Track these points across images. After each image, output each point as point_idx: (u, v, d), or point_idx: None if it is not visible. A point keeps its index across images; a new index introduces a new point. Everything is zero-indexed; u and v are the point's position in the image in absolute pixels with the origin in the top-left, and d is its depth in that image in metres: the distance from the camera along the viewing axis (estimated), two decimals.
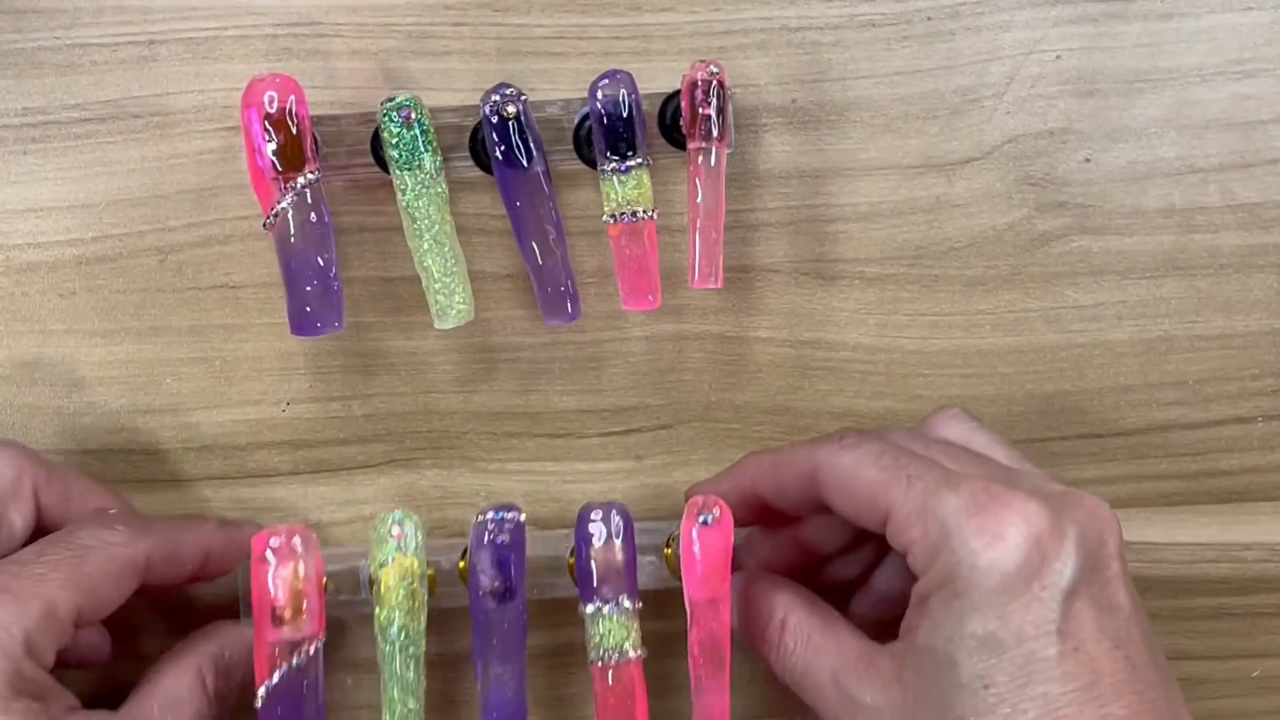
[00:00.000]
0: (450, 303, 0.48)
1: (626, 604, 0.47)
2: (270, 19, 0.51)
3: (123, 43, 0.51)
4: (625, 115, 0.48)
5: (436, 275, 0.48)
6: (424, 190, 0.48)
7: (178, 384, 0.53)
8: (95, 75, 0.51)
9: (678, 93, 0.50)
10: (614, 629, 0.48)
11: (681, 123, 0.49)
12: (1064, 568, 0.41)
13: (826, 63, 0.53)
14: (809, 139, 0.53)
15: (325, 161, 0.49)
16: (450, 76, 0.52)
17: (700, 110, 0.48)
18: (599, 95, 0.48)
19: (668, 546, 0.51)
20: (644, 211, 0.48)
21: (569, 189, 0.52)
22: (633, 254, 0.49)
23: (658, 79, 0.52)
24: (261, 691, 0.45)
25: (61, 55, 0.51)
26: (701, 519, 0.46)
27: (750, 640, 0.49)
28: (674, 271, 0.52)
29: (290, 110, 0.46)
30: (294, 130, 0.46)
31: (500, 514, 0.47)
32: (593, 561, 0.47)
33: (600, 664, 0.48)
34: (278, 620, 0.44)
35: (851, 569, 0.51)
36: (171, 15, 0.51)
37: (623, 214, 0.48)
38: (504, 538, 0.47)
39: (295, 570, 0.45)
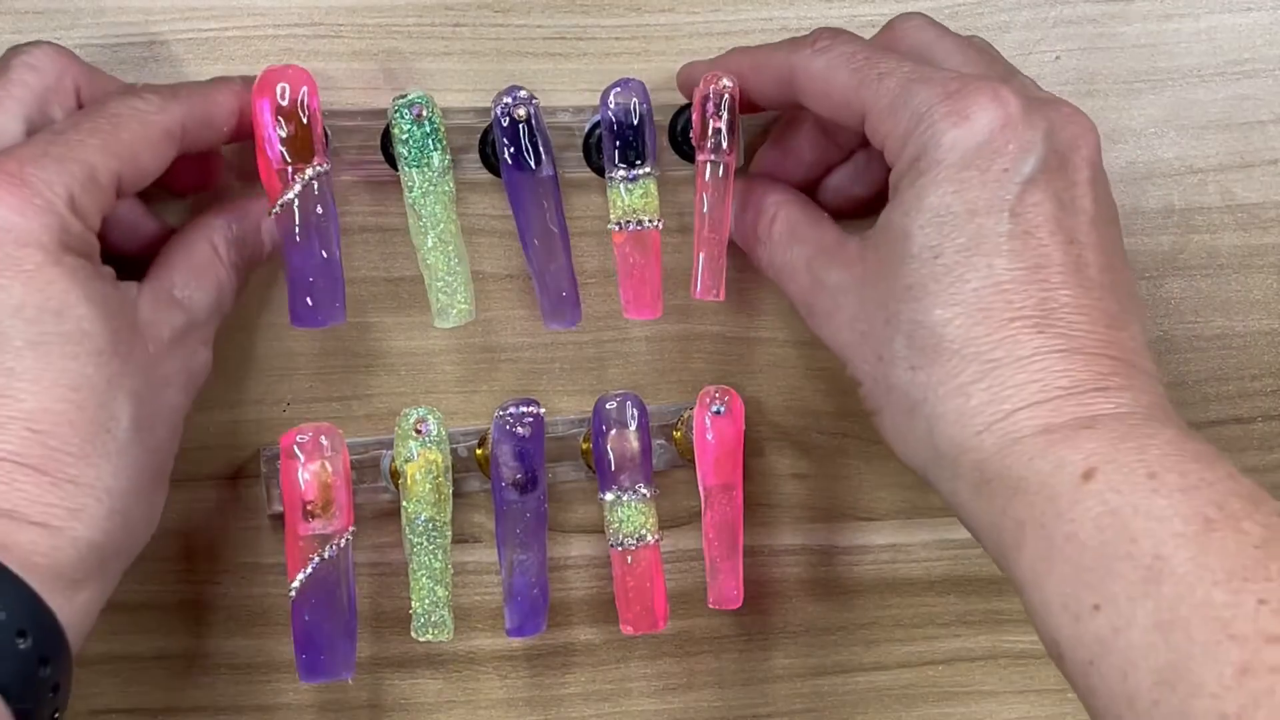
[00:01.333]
0: (452, 302, 0.48)
1: (644, 491, 0.50)
2: (271, 19, 0.51)
3: (123, 43, 0.50)
4: (635, 124, 0.48)
5: (439, 274, 0.48)
6: (431, 188, 0.48)
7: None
8: None
9: (690, 105, 0.50)
10: (632, 515, 0.50)
11: (691, 135, 0.49)
12: (1028, 155, 0.42)
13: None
14: None
15: (335, 156, 0.49)
16: (450, 77, 0.52)
17: (711, 123, 0.48)
18: (610, 103, 0.48)
19: (677, 430, 0.53)
20: (650, 220, 0.49)
21: (576, 192, 0.52)
22: (636, 262, 0.49)
23: (658, 79, 0.52)
24: (295, 584, 0.47)
25: None
26: (714, 409, 0.50)
27: (744, 239, 0.50)
28: (675, 273, 0.52)
29: (302, 101, 0.46)
30: (304, 121, 0.46)
31: (520, 408, 0.50)
32: (610, 451, 0.50)
33: (620, 549, 0.50)
34: (308, 516, 0.47)
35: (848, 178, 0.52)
36: (172, 16, 0.51)
37: (628, 222, 0.48)
38: (524, 430, 0.49)
39: (324, 466, 0.47)
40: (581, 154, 0.51)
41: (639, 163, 0.48)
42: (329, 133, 0.48)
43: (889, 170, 0.45)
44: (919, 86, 0.43)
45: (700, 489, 0.51)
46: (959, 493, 0.42)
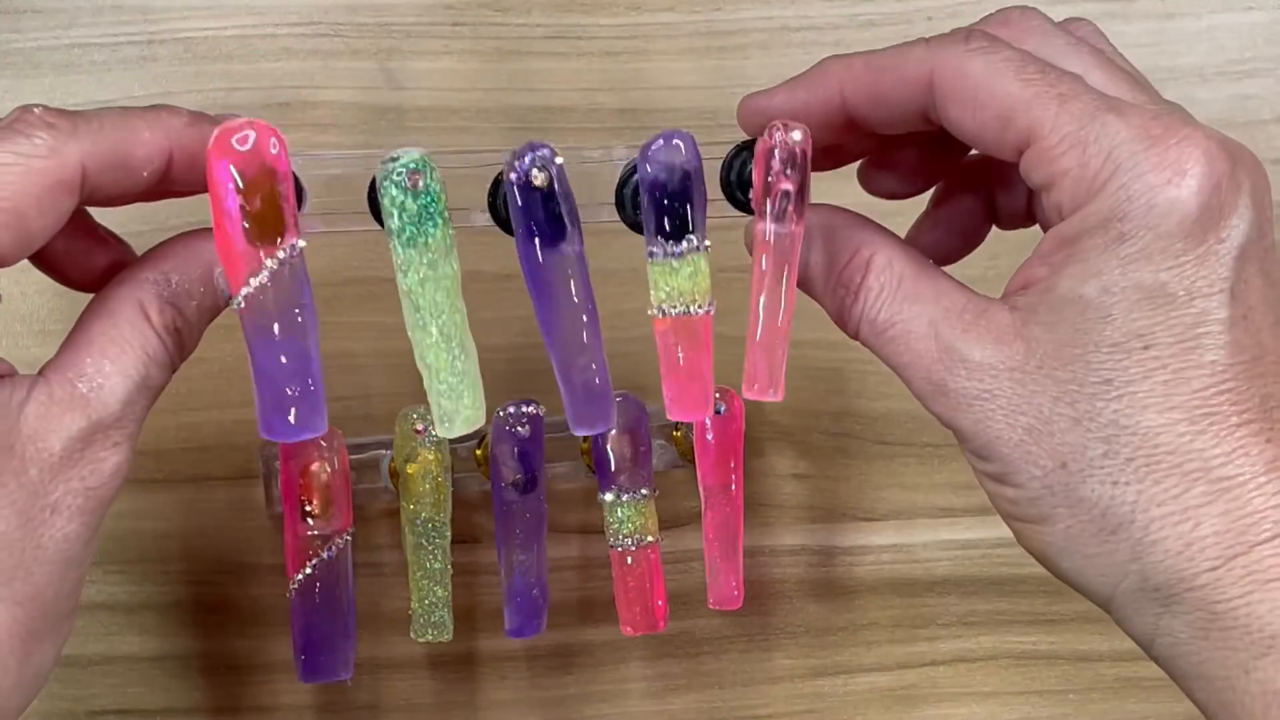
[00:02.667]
0: (457, 407, 0.39)
1: (644, 491, 0.50)
2: (270, 19, 0.51)
3: (122, 42, 0.50)
4: (682, 188, 0.39)
5: (441, 374, 0.39)
6: (430, 272, 0.38)
7: (178, 384, 0.52)
8: (94, 75, 0.51)
9: (747, 145, 0.41)
10: (632, 515, 0.50)
11: (751, 195, 0.40)
12: (1240, 222, 0.35)
13: None
14: None
15: (310, 214, 0.41)
16: (450, 76, 0.52)
17: (775, 184, 0.38)
18: (650, 160, 0.39)
19: (676, 429, 0.53)
20: (699, 306, 0.40)
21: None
22: (683, 356, 0.40)
23: (658, 79, 0.52)
24: (295, 584, 0.47)
25: (60, 55, 0.51)
26: (715, 408, 0.50)
27: (819, 286, 0.41)
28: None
29: (269, 162, 0.36)
30: (275, 190, 0.36)
31: (520, 408, 0.50)
32: (610, 451, 0.50)
33: (619, 549, 0.50)
34: (308, 516, 0.47)
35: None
36: (171, 15, 0.51)
37: (673, 308, 0.40)
38: (524, 430, 0.49)
39: (323, 466, 0.47)
40: (614, 205, 0.42)
41: (687, 236, 0.39)
42: (303, 189, 0.40)
43: (1013, 209, 0.39)
44: (1112, 118, 0.35)
45: (700, 489, 0.51)
46: (1172, 631, 0.35)
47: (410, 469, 0.49)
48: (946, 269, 0.39)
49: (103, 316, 0.37)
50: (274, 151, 0.36)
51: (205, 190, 0.37)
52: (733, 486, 0.51)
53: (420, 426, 0.49)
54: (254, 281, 0.36)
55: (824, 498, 0.56)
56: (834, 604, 0.56)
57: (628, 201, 0.41)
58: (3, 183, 0.34)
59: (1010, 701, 0.57)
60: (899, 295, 0.38)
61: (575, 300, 0.40)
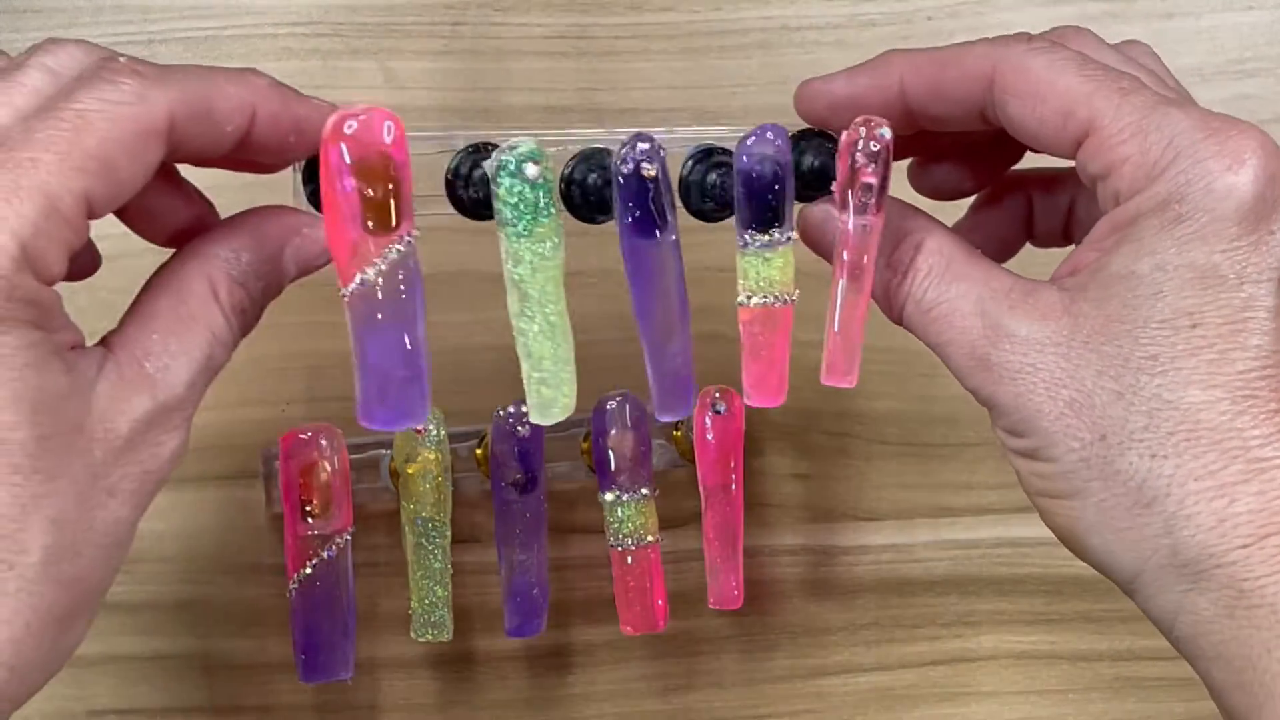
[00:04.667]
0: (556, 396, 0.40)
1: (644, 491, 0.50)
2: (270, 18, 0.51)
3: (121, 42, 0.50)
4: (776, 181, 0.40)
5: (544, 364, 0.40)
6: (543, 262, 0.38)
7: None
8: None
9: (811, 135, 0.42)
10: (632, 515, 0.50)
11: (834, 186, 0.40)
12: None
13: (827, 63, 0.52)
14: None
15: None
16: (450, 76, 0.52)
17: (860, 176, 0.39)
18: (747, 153, 0.40)
19: (676, 429, 0.53)
20: (783, 296, 0.42)
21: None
22: (765, 343, 0.42)
23: (658, 79, 0.52)
24: (294, 584, 0.47)
25: None
26: (714, 409, 0.50)
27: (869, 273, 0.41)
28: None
29: (385, 153, 0.35)
30: (392, 177, 0.35)
31: (520, 408, 0.50)
32: (610, 451, 0.50)
33: (619, 549, 0.50)
34: (308, 516, 0.47)
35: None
36: (171, 15, 0.51)
37: (765, 297, 0.42)
38: (524, 430, 0.49)
39: (323, 466, 0.47)
40: (678, 195, 0.42)
41: (778, 227, 0.40)
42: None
43: (1068, 204, 0.40)
44: (1174, 111, 0.37)
45: (700, 489, 0.51)
46: (1194, 608, 0.36)
47: (410, 469, 0.49)
48: None
49: (171, 292, 0.37)
50: (390, 138, 0.35)
51: (285, 163, 0.38)
52: (733, 486, 0.51)
53: (420, 427, 0.49)
54: (367, 272, 0.36)
55: (824, 498, 0.56)
56: (834, 604, 0.56)
57: (692, 189, 0.42)
58: (92, 130, 0.33)
59: (1010, 701, 0.57)
60: (947, 276, 0.39)
61: (670, 288, 0.41)
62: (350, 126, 0.35)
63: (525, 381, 0.40)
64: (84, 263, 0.39)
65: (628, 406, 0.50)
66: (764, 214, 0.40)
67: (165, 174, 0.38)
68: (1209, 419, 0.35)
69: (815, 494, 0.56)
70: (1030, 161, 0.43)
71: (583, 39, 0.52)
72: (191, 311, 0.36)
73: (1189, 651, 0.37)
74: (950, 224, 0.44)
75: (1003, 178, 0.44)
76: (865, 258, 0.40)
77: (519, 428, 0.50)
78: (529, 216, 0.38)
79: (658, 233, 0.40)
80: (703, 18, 0.52)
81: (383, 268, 0.36)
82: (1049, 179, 0.41)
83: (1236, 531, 0.35)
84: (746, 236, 0.41)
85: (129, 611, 0.53)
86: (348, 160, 0.35)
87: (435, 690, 0.55)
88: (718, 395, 0.51)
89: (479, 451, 0.52)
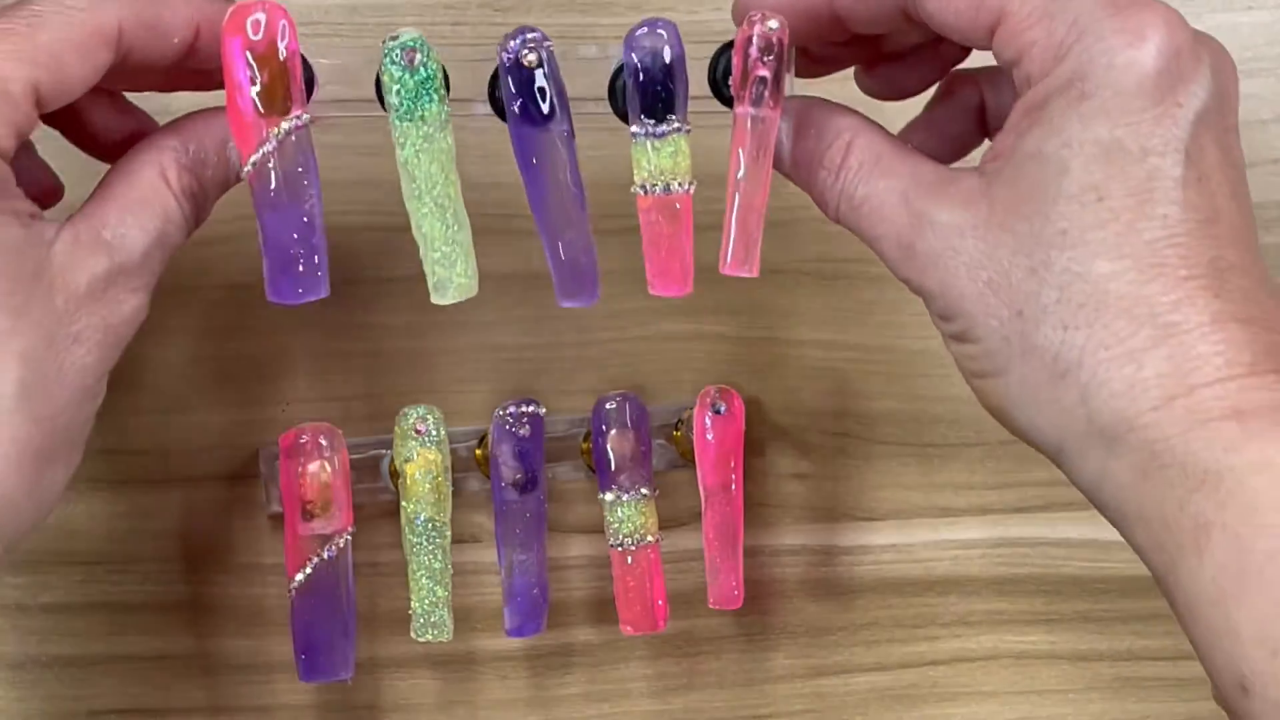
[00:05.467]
0: (450, 275, 0.43)
1: (644, 491, 0.50)
2: None
3: None
4: (665, 71, 0.42)
5: (435, 243, 0.42)
6: (426, 144, 0.42)
7: (177, 384, 0.53)
8: None
9: (731, 44, 0.43)
10: (632, 515, 0.50)
11: (730, 81, 0.42)
12: (1199, 90, 0.37)
13: None
14: None
15: (320, 101, 0.44)
16: (450, 76, 0.52)
17: (753, 70, 0.41)
18: (636, 47, 0.42)
19: (676, 429, 0.53)
20: (679, 184, 0.43)
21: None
22: (665, 232, 0.43)
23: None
24: (295, 584, 0.47)
25: None
26: (714, 409, 0.50)
27: (805, 169, 0.43)
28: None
29: (279, 41, 0.40)
30: (282, 64, 0.40)
31: (520, 408, 0.49)
32: (610, 451, 0.50)
33: (619, 549, 0.50)
34: (308, 515, 0.47)
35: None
36: None
37: (655, 185, 0.43)
38: (524, 430, 0.49)
39: (323, 466, 0.47)
40: (606, 98, 0.44)
41: (668, 117, 0.42)
42: (314, 74, 0.43)
43: (997, 93, 0.41)
44: None
45: (700, 489, 0.51)
46: (1115, 474, 0.37)
47: (410, 469, 0.49)
48: None
49: (126, 175, 0.40)
50: (282, 31, 0.40)
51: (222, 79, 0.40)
52: (733, 486, 0.51)
53: (420, 427, 0.49)
54: (261, 150, 0.40)
55: (824, 498, 0.56)
56: (834, 604, 0.56)
57: (619, 93, 0.43)
58: (46, 27, 0.37)
59: (1010, 701, 0.57)
60: (876, 171, 0.41)
61: (562, 178, 0.43)
62: (247, 20, 0.39)
63: (424, 264, 0.42)
64: (46, 186, 0.43)
65: (628, 406, 0.50)
66: (653, 103, 0.42)
67: (109, 92, 0.42)
68: (1117, 289, 0.36)
69: (815, 494, 0.56)
70: (980, 60, 0.42)
71: (583, 39, 0.52)
72: (144, 194, 0.40)
73: (1114, 517, 0.37)
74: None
75: (954, 75, 0.45)
76: (762, 150, 0.42)
77: (519, 428, 0.50)
78: (410, 101, 0.41)
79: (545, 121, 0.42)
80: (702, 18, 0.52)
81: (274, 145, 0.40)
82: (996, 73, 0.42)
83: (1146, 395, 0.36)
84: (636, 127, 0.42)
85: (129, 611, 0.53)
86: (244, 50, 0.39)
87: (435, 690, 0.55)
88: (718, 395, 0.51)
89: (479, 451, 0.52)
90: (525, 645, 0.55)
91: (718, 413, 0.50)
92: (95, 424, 0.52)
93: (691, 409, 0.51)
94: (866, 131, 0.42)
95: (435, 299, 0.43)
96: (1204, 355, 0.35)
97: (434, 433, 0.49)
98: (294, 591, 0.47)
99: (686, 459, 0.52)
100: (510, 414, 0.50)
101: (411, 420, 0.49)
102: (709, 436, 0.51)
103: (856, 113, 0.43)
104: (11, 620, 0.53)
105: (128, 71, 0.40)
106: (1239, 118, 0.39)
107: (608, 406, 0.50)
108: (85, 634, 0.53)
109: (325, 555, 0.47)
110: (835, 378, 0.54)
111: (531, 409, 0.50)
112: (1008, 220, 0.38)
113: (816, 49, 0.44)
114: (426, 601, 0.49)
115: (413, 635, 0.49)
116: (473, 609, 0.54)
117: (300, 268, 0.41)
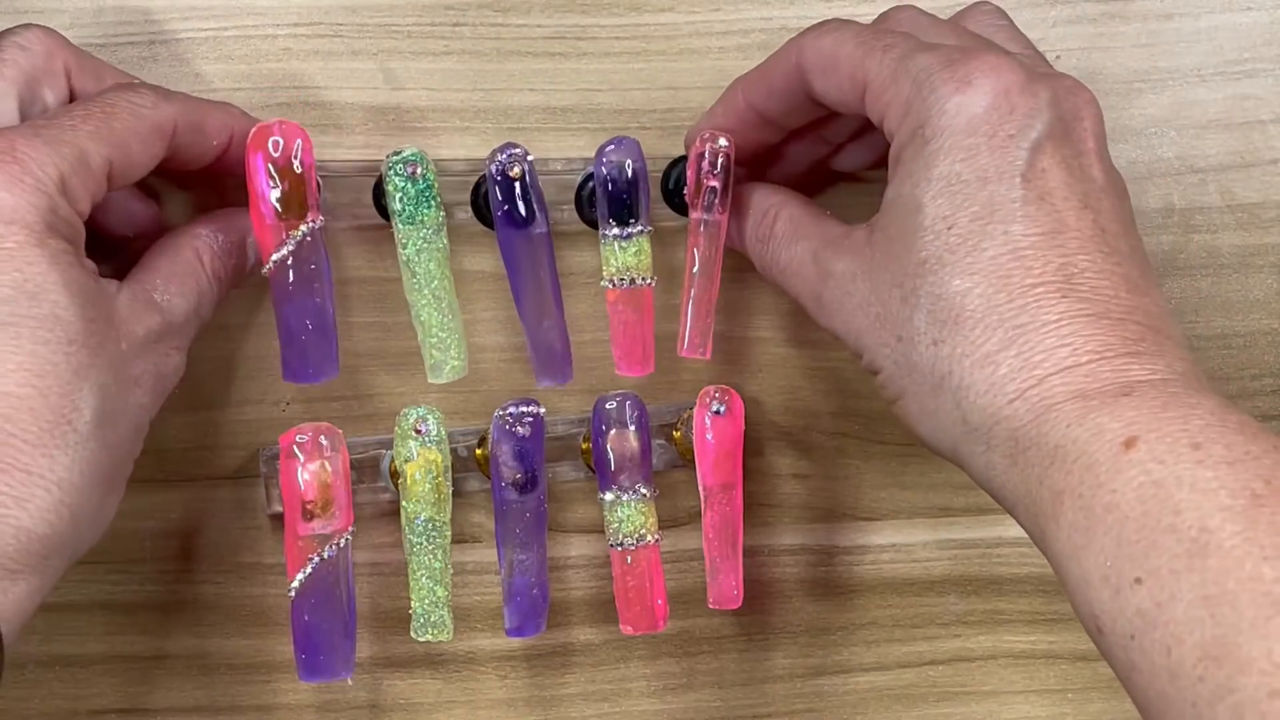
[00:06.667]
0: (445, 358, 0.48)
1: (643, 491, 0.50)
2: (270, 19, 0.51)
3: (122, 43, 0.50)
4: (629, 182, 0.48)
5: (433, 330, 0.48)
6: (425, 245, 0.48)
7: (178, 384, 0.52)
8: None
9: (683, 159, 0.50)
10: (632, 515, 0.50)
11: (685, 191, 0.49)
12: (1034, 120, 0.42)
13: None
14: None
15: (327, 207, 0.49)
16: (450, 76, 0.52)
17: (705, 182, 0.48)
18: (604, 160, 0.48)
19: (676, 429, 0.53)
20: (642, 279, 0.49)
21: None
22: (629, 320, 0.49)
23: (658, 79, 0.52)
24: (295, 584, 0.47)
25: None
26: (714, 409, 0.50)
27: (745, 242, 0.50)
28: (669, 273, 0.52)
29: (295, 157, 0.46)
30: (298, 177, 0.46)
31: (520, 408, 0.50)
32: (610, 451, 0.50)
33: (619, 549, 0.50)
34: (308, 515, 0.47)
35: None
36: (171, 15, 0.51)
37: (622, 280, 0.49)
38: (524, 430, 0.50)
39: (323, 466, 0.47)
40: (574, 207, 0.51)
41: (632, 221, 0.48)
42: (321, 185, 0.48)
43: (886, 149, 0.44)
44: (921, 54, 0.43)
45: (700, 489, 0.51)
46: (994, 465, 0.41)
47: (410, 469, 0.49)
48: None
49: (168, 252, 0.47)
50: (297, 149, 0.46)
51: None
52: (733, 487, 0.51)
53: (420, 427, 0.49)
54: (280, 251, 0.46)
55: (823, 497, 0.56)
56: (833, 603, 0.56)
57: (584, 202, 0.50)
58: (119, 118, 0.44)
59: (1009, 701, 0.57)
60: (795, 236, 0.47)
61: (540, 275, 0.49)
62: (268, 138, 0.46)
63: (421, 348, 0.48)
64: (142, 217, 0.50)
65: (628, 406, 0.50)
66: (619, 210, 0.48)
67: (143, 186, 0.48)
68: (970, 302, 0.41)
69: (815, 494, 0.56)
70: None
71: (583, 39, 0.52)
72: (185, 269, 0.47)
73: (1006, 506, 0.42)
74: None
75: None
76: (714, 249, 0.49)
77: (519, 428, 0.50)
78: (412, 206, 0.47)
79: (526, 225, 0.48)
80: (702, 18, 0.52)
81: (293, 247, 0.46)
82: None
83: (1004, 390, 0.40)
84: (606, 228, 0.49)
85: (129, 611, 0.53)
86: (266, 164, 0.45)
87: (435, 690, 0.55)
88: (717, 395, 0.51)
89: (479, 451, 0.52)
90: (525, 645, 0.55)
91: (718, 413, 0.51)
92: None
93: (691, 409, 0.52)
94: (789, 204, 0.49)
95: (431, 379, 0.48)
96: (1050, 349, 0.40)
97: (434, 433, 0.49)
98: (294, 592, 0.47)
99: (686, 459, 0.53)
100: (510, 414, 0.50)
101: (411, 420, 0.49)
102: (709, 436, 0.51)
103: (784, 190, 0.50)
104: None
105: (171, 165, 0.46)
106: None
107: (608, 406, 0.50)
108: (85, 634, 0.53)
109: (325, 555, 0.47)
110: (835, 378, 0.55)
111: (531, 409, 0.50)
112: (884, 260, 0.43)
113: (784, 150, 0.51)
114: (426, 601, 0.49)
115: (413, 635, 0.49)
116: (473, 609, 0.54)
117: (313, 353, 0.46)
